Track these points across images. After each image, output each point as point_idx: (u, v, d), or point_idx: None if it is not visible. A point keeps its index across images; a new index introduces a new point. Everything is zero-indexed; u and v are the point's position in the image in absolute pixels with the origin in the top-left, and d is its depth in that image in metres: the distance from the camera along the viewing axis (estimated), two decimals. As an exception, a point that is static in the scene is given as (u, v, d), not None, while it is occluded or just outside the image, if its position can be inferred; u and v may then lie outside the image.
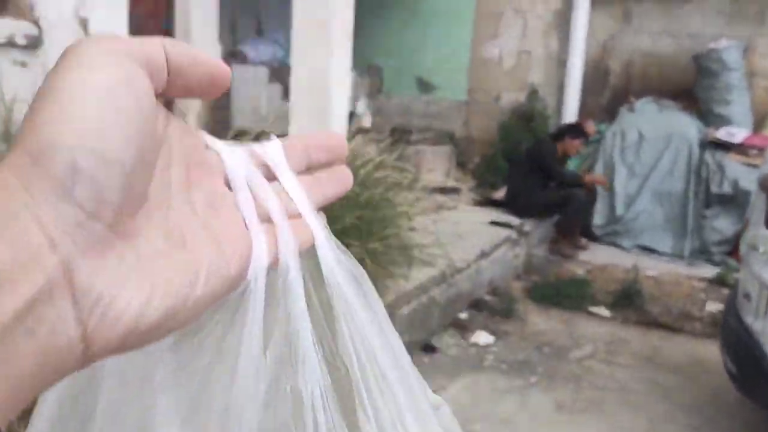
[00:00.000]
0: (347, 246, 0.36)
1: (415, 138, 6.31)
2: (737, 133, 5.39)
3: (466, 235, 4.70)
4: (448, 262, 4.01)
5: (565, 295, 4.47)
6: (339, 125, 5.35)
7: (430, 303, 3.63)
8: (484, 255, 4.48)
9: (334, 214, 3.05)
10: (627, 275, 4.70)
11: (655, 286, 4.56)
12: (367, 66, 8.15)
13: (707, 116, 5.83)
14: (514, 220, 5.29)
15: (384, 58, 8.01)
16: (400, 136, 6.45)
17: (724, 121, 5.69)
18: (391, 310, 3.18)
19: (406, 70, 7.90)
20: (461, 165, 7.47)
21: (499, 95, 7.39)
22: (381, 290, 3.15)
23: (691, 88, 6.16)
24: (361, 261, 2.22)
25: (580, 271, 4.92)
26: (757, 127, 5.82)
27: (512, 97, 7.27)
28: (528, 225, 5.30)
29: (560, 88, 7.01)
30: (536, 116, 6.85)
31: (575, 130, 5.36)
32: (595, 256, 5.25)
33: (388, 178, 4.05)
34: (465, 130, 7.63)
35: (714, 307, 4.29)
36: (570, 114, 6.87)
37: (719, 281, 4.60)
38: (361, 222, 3.13)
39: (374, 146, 4.61)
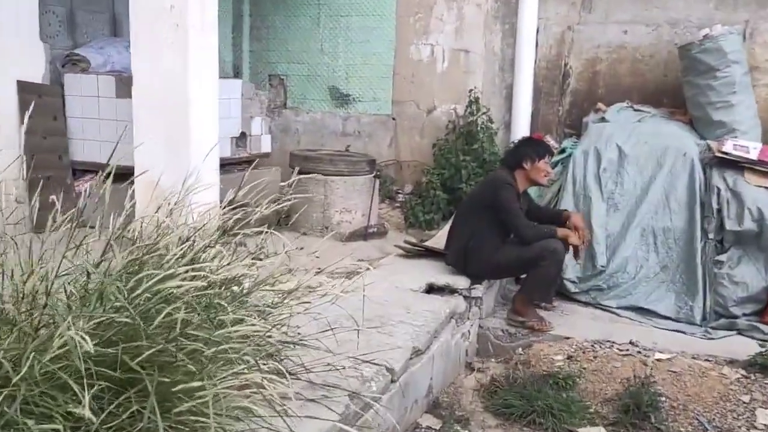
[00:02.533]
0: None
1: (323, 166, 4.69)
2: (751, 146, 3.99)
3: (390, 318, 3.09)
4: (359, 384, 2.39)
5: (542, 406, 2.90)
6: (202, 154, 3.74)
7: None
8: (417, 354, 2.87)
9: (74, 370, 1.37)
10: (630, 365, 3.18)
11: (672, 382, 3.05)
12: (267, 76, 6.51)
13: (702, 124, 4.43)
14: (460, 281, 3.72)
15: (289, 65, 6.39)
16: (302, 164, 4.82)
17: (725, 129, 4.30)
18: None
19: (317, 78, 6.29)
20: (389, 198, 5.90)
21: (432, 107, 5.86)
22: None
23: (676, 89, 4.78)
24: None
25: (557, 357, 3.37)
26: (766, 137, 4.47)
27: (449, 108, 5.76)
28: (479, 287, 3.75)
29: (508, 96, 5.55)
30: (479, 132, 5.34)
31: (535, 147, 3.78)
32: (575, 326, 3.72)
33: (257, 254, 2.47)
34: (393, 152, 6.07)
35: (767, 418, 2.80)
36: (521, 128, 5.41)
37: (761, 366, 3.13)
38: (150, 371, 1.47)
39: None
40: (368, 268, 3.80)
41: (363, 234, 4.71)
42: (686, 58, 4.49)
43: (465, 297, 3.68)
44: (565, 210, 3.86)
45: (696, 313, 3.76)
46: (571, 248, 3.63)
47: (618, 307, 3.95)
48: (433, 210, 5.08)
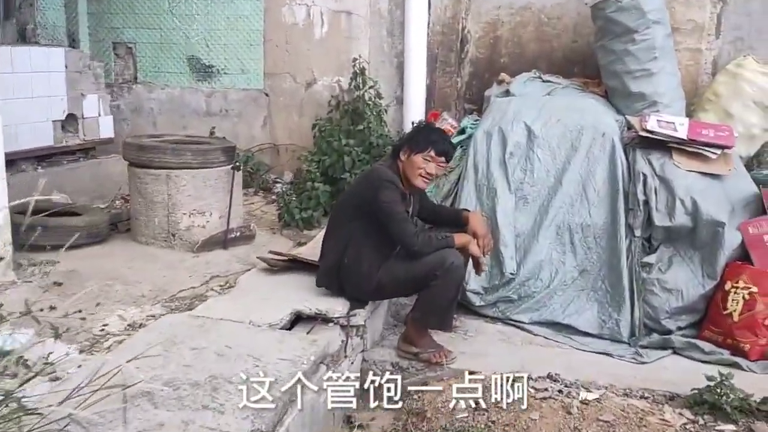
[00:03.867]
0: None
1: (165, 158, 3.68)
2: (677, 122, 3.36)
3: (229, 378, 2.20)
4: None
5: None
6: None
7: None
8: (260, 436, 2.00)
9: None
10: (550, 415, 2.45)
11: (605, 436, 2.36)
12: (111, 43, 5.36)
13: (619, 96, 3.78)
14: (336, 305, 2.89)
15: (137, 31, 5.26)
16: (137, 155, 3.81)
17: (646, 102, 3.67)
18: None
19: (172, 47, 5.22)
20: (265, 189, 4.97)
21: (311, 79, 4.96)
22: None
23: (588, 56, 4.12)
24: None
25: (461, 404, 2.60)
26: (690, 111, 3.88)
27: (331, 81, 4.88)
28: (361, 312, 2.92)
29: (399, 66, 4.73)
30: (367, 109, 4.50)
31: (416, 135, 2.90)
32: (481, 354, 2.98)
33: None
34: (267, 134, 5.13)
35: (730, 486, 2.15)
36: (415, 104, 4.63)
37: (710, 405, 2.48)
38: None
39: None
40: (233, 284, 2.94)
41: (221, 241, 3.77)
42: (600, 18, 3.81)
43: (342, 326, 2.86)
44: (465, 209, 3.08)
45: (623, 327, 3.11)
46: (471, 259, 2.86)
47: (531, 323, 3.24)
48: (312, 206, 4.19)
